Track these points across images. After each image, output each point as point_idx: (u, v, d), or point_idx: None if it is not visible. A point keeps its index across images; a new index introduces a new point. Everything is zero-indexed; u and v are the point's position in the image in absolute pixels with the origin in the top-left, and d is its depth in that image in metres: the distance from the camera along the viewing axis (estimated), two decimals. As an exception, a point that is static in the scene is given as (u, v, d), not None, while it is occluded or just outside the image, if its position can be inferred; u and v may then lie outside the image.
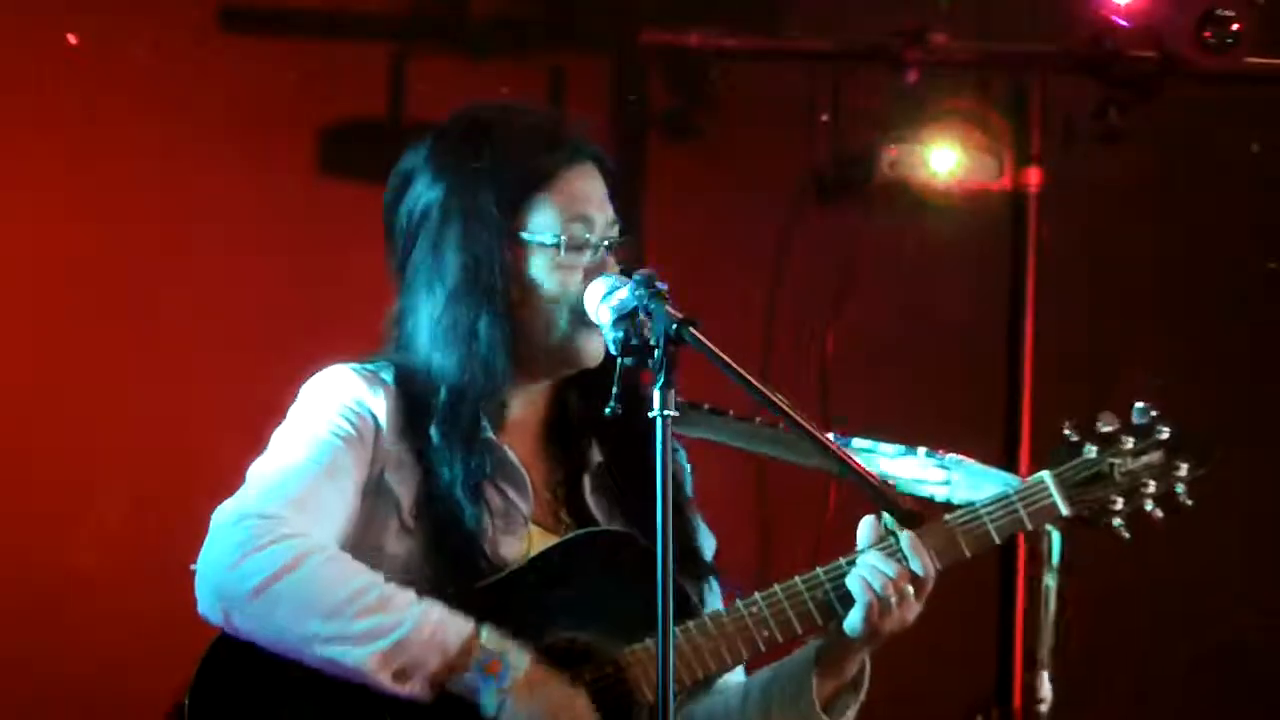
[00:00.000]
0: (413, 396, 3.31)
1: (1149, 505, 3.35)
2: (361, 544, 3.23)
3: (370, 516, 3.26)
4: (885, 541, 3.26)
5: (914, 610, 3.24)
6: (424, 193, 3.35)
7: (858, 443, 3.48)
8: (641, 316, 3.09)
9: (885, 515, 3.26)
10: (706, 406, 3.44)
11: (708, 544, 3.45)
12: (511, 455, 3.33)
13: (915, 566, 3.22)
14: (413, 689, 3.08)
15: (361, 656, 3.07)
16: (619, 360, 3.09)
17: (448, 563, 3.22)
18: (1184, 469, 3.36)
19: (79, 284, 5.55)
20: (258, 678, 3.15)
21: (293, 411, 3.34)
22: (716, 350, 3.02)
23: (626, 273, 3.22)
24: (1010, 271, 5.98)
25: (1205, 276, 6.15)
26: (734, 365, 3.03)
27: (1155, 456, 3.35)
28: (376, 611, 3.09)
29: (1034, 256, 5.95)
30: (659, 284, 3.12)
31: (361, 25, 5.86)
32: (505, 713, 3.08)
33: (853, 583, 3.22)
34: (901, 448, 3.52)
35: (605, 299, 3.19)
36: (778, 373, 5.51)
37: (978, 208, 5.92)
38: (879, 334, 6.03)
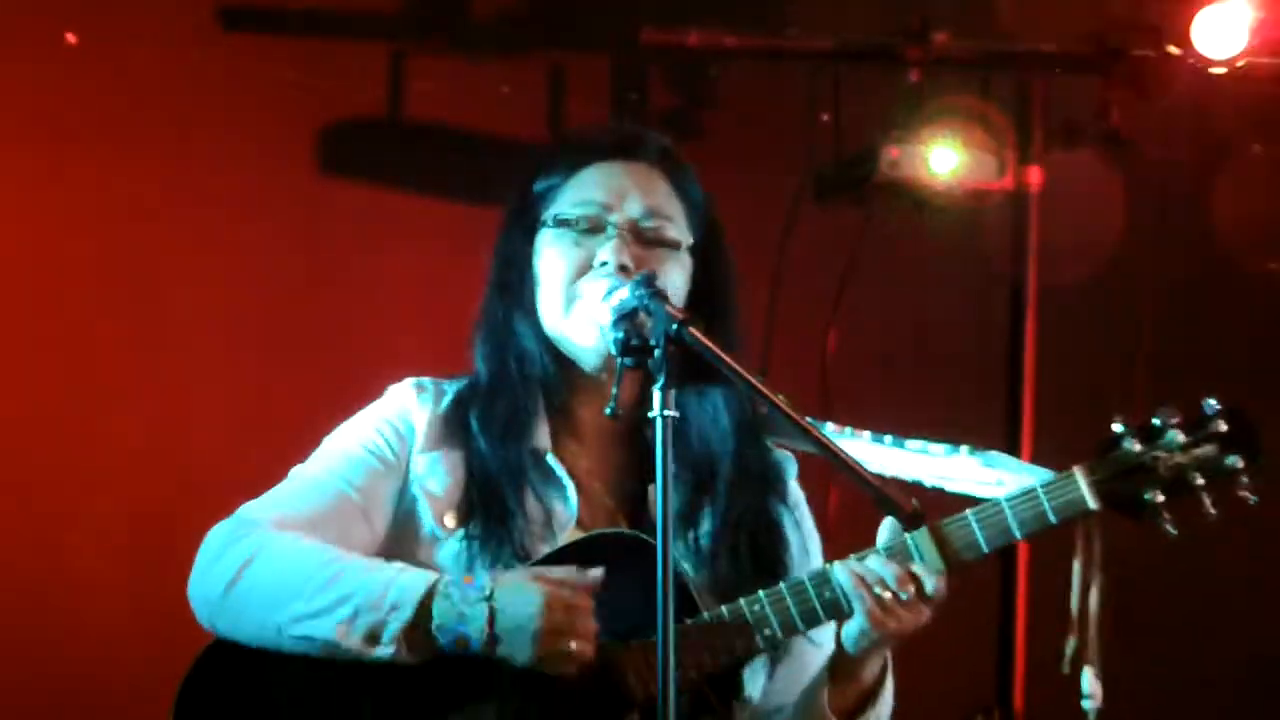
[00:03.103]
0: (465, 405, 3.34)
1: (1202, 499, 3.20)
2: (395, 551, 3.26)
3: (404, 525, 3.30)
4: (897, 542, 3.22)
5: (923, 615, 3.20)
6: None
7: (911, 444, 3.43)
8: (642, 317, 3.08)
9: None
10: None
11: (797, 560, 3.40)
12: (554, 463, 3.33)
13: (925, 580, 3.19)
14: (385, 652, 3.11)
15: (328, 628, 3.12)
16: (619, 361, 3.08)
17: (480, 568, 3.23)
18: (1238, 463, 3.20)
19: (79, 284, 5.54)
20: (243, 686, 3.18)
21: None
22: (716, 350, 3.02)
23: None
24: (1010, 271, 5.97)
25: (1205, 277, 6.14)
26: (734, 365, 3.03)
27: (1208, 450, 3.22)
28: (334, 583, 3.13)
29: (1034, 256, 5.94)
30: (659, 284, 3.12)
31: (361, 25, 5.86)
32: (501, 645, 3.11)
33: (848, 586, 3.19)
34: (948, 446, 3.45)
35: (605, 299, 3.18)
36: (778, 373, 5.50)
37: (978, 207, 5.91)
38: (879, 334, 6.03)
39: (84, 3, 5.58)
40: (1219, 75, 5.65)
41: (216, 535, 3.23)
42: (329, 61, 5.76)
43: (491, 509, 3.26)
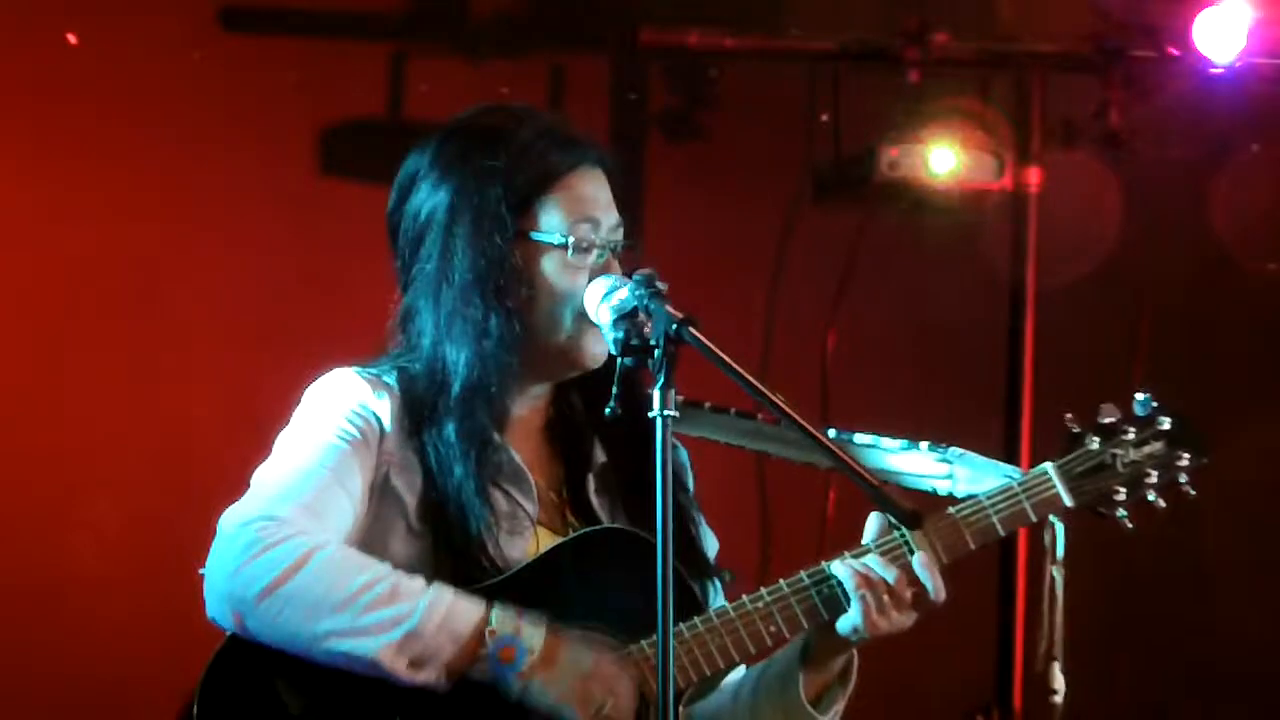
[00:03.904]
0: (417, 398, 3.30)
1: (1152, 495, 3.36)
2: (369, 547, 3.23)
3: (377, 520, 3.27)
4: (889, 540, 3.25)
5: (912, 617, 3.23)
6: (431, 194, 3.34)
7: (859, 438, 3.47)
8: (641, 316, 3.09)
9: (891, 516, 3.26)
10: (708, 405, 3.44)
11: (710, 543, 3.45)
12: (516, 457, 3.33)
13: (928, 586, 3.22)
14: (428, 677, 3.09)
15: (374, 648, 3.08)
16: (619, 360, 3.09)
17: (453, 565, 3.22)
18: (1185, 459, 3.37)
19: (79, 284, 5.55)
20: (266, 681, 3.16)
21: (297, 416, 3.33)
22: (716, 350, 3.03)
23: (628, 274, 3.22)
24: (1010, 271, 5.98)
25: (1204, 277, 6.15)
26: (734, 365, 3.03)
27: (1157, 447, 3.37)
28: (386, 603, 3.10)
29: (1034, 256, 5.95)
30: (659, 284, 3.13)
31: (361, 25, 5.86)
32: (531, 694, 3.10)
33: (850, 585, 3.22)
34: (904, 442, 3.51)
35: (605, 299, 3.19)
36: (778, 373, 5.51)
37: (978, 208, 5.92)
38: (879, 334, 6.04)
39: (84, 3, 5.59)
40: (1219, 75, 5.66)
41: (244, 532, 3.14)
42: (329, 61, 5.76)
43: (459, 507, 3.25)
